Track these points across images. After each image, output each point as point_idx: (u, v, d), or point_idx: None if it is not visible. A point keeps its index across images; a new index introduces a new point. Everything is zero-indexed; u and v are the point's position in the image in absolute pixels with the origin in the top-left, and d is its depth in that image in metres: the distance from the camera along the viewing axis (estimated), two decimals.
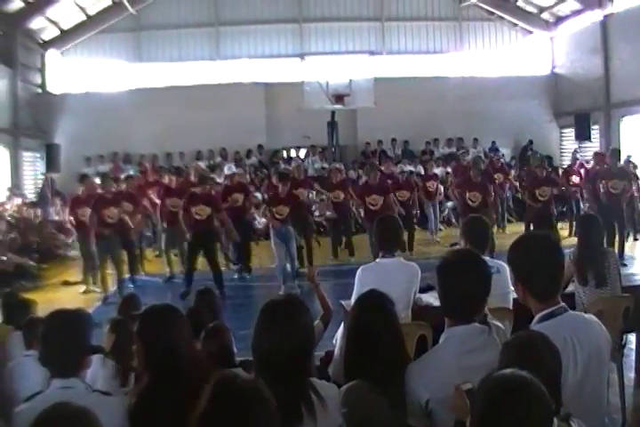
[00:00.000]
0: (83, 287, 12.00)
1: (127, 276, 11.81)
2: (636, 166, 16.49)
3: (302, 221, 12.60)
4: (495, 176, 15.98)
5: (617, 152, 14.01)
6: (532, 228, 12.68)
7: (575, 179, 15.79)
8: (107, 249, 11.28)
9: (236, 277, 12.64)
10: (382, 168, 15.37)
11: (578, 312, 3.07)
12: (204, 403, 2.15)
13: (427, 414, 2.98)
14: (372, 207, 12.78)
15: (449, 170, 18.56)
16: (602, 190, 12.51)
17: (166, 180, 14.62)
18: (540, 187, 12.47)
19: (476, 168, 13.02)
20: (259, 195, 16.35)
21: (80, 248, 12.33)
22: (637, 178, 15.74)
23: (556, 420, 2.28)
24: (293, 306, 3.01)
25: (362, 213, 14.17)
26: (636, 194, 15.12)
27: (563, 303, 3.04)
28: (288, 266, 11.64)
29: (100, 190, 11.86)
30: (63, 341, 3.07)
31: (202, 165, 18.16)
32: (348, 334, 3.43)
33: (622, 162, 15.43)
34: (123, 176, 15.58)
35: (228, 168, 17.64)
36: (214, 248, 11.67)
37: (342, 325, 5.43)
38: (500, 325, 3.30)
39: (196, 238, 11.33)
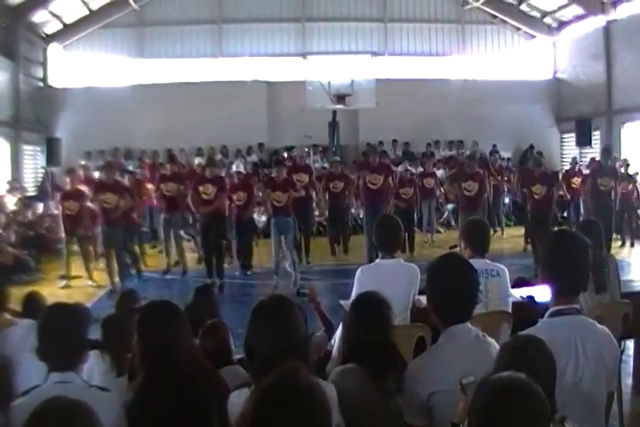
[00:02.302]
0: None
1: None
2: (628, 165, 16.46)
3: (303, 216, 12.60)
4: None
5: (608, 151, 14.25)
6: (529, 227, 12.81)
7: (576, 181, 15.78)
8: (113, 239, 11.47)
9: (237, 273, 12.65)
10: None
11: (591, 319, 3.10)
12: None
13: (427, 410, 2.98)
14: (371, 186, 12.84)
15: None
16: (590, 189, 13.12)
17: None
18: (534, 184, 12.52)
19: (470, 159, 13.59)
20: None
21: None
22: (636, 181, 15.80)
23: (551, 424, 2.28)
24: (283, 306, 3.02)
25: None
26: (634, 197, 15.31)
27: (577, 305, 3.07)
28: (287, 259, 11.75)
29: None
30: (61, 335, 3.06)
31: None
32: (345, 332, 3.50)
33: (617, 163, 15.73)
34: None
35: (236, 166, 17.42)
36: (224, 231, 11.82)
37: (341, 325, 5.43)
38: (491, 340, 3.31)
39: (207, 222, 11.51)
